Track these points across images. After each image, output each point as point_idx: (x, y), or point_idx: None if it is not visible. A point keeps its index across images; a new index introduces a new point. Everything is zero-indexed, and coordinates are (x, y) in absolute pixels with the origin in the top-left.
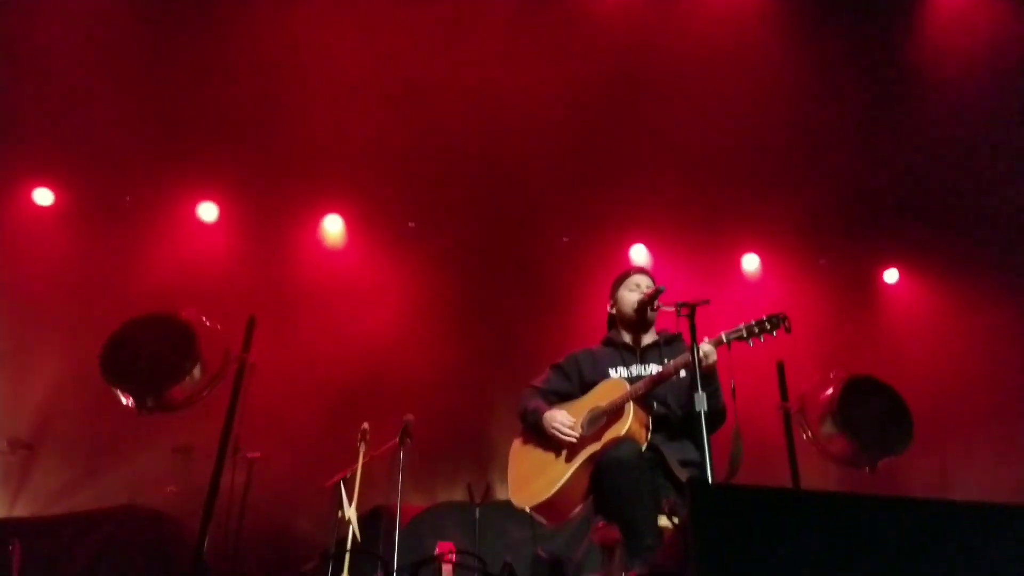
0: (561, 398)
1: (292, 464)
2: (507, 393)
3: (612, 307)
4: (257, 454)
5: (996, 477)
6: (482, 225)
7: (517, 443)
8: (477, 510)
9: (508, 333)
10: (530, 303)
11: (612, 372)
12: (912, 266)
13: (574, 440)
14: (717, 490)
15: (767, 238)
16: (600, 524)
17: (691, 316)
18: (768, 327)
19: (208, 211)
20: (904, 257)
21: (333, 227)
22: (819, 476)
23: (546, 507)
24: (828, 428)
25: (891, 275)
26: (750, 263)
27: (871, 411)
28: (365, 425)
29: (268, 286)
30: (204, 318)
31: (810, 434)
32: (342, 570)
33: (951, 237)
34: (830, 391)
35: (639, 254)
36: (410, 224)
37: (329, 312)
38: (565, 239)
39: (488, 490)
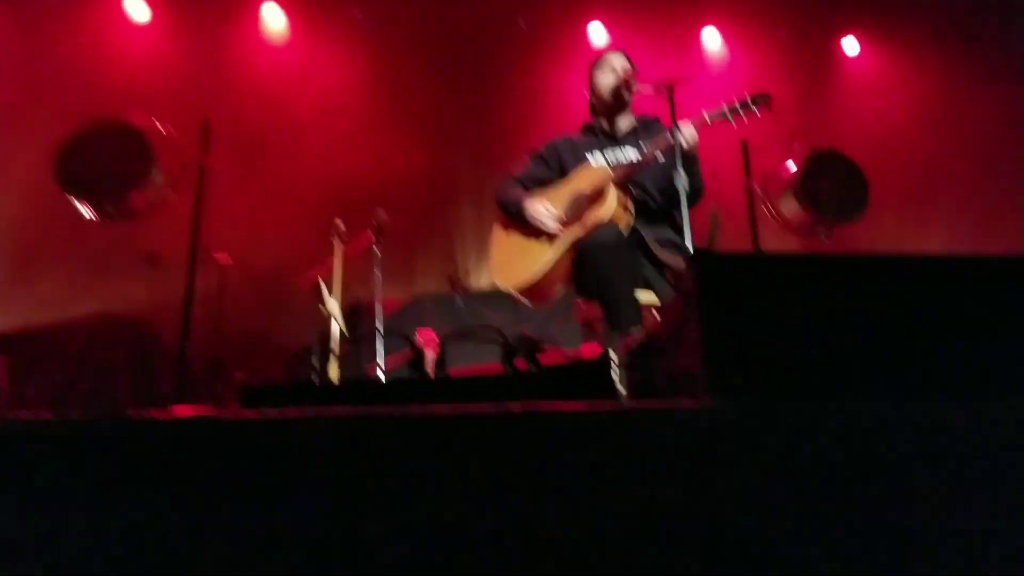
0: (541, 185)
1: (265, 266)
2: (480, 184)
3: (590, 92)
4: (227, 257)
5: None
6: (431, 10)
7: (498, 228)
8: (459, 298)
9: (472, 124)
10: (492, 91)
11: (590, 158)
12: (872, 32)
13: (554, 226)
14: (723, 259)
15: (725, 6)
16: (581, 304)
17: (670, 95)
18: (751, 106)
19: (137, 9)
20: (861, 24)
21: (274, 20)
22: (779, 247)
23: (529, 290)
24: (789, 202)
25: (849, 44)
26: (711, 38)
27: (831, 183)
28: (338, 221)
29: (215, 88)
30: (156, 122)
31: (771, 208)
32: (327, 360)
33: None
34: (793, 166)
35: (597, 33)
36: (355, 12)
37: (285, 111)
38: (521, 22)
39: (467, 279)
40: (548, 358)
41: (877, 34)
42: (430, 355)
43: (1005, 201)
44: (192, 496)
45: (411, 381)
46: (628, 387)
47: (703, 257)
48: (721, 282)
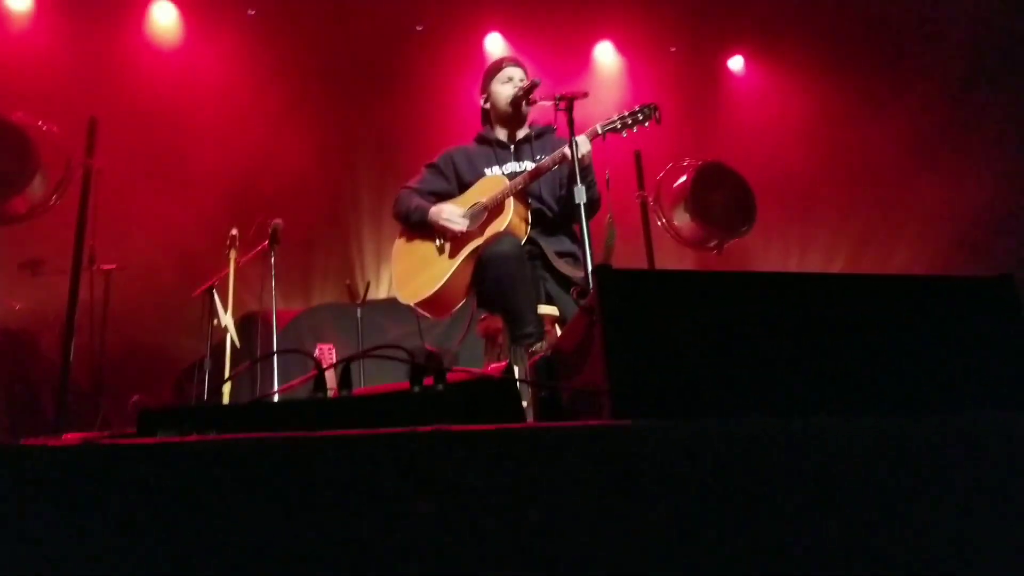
0: (439, 198)
1: (155, 275)
2: (376, 195)
3: (485, 101)
4: (113, 265)
5: (832, 249)
6: (328, 11)
7: (400, 242)
8: (359, 310)
9: (371, 131)
10: (390, 97)
11: (487, 171)
12: (758, 53)
13: (464, 230)
14: (623, 275)
15: (620, 23)
16: (483, 316)
17: (569, 109)
18: (640, 118)
19: None
20: (749, 44)
21: (164, 16)
22: (673, 260)
23: (431, 303)
24: (681, 214)
25: (736, 62)
26: (604, 53)
27: (720, 197)
28: (233, 231)
29: (102, 86)
30: (39, 121)
31: (664, 221)
32: (223, 373)
33: (795, 18)
34: (683, 179)
35: (495, 44)
36: (249, 12)
37: (177, 113)
38: (419, 27)
39: (368, 289)
40: (455, 375)
41: (762, 54)
42: (330, 371)
43: (881, 222)
44: (87, 529)
45: (315, 403)
46: (534, 405)
47: (604, 273)
48: (623, 298)
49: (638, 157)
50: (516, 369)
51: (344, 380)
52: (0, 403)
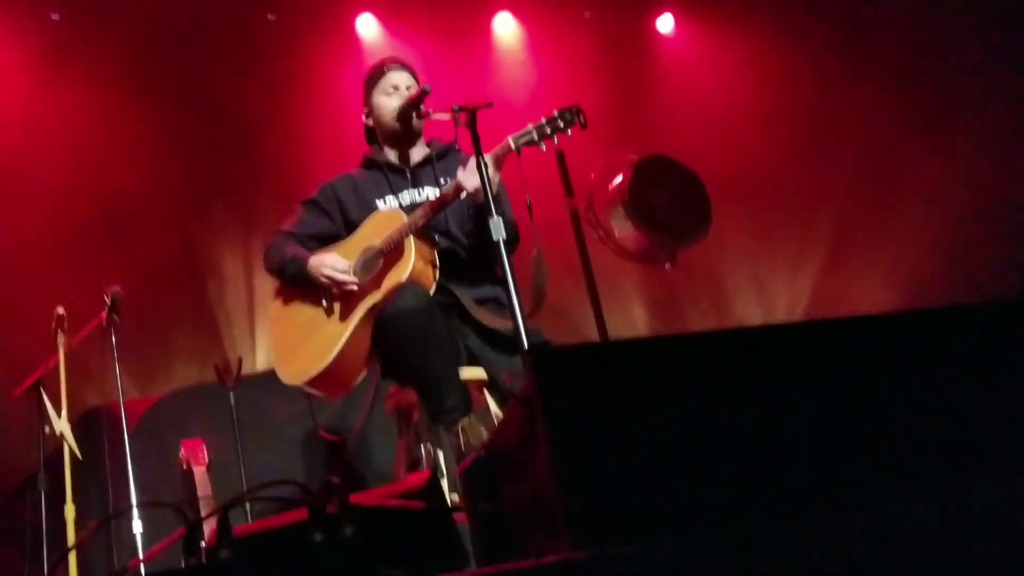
0: (322, 243)
1: None
2: (241, 243)
3: (367, 117)
4: None
5: (805, 241)
6: (152, 8)
7: (277, 305)
8: (232, 394)
9: (226, 161)
10: (244, 114)
11: (380, 203)
12: (688, 11)
13: (353, 287)
14: (562, 354)
15: None
16: (391, 390)
17: (472, 123)
18: (561, 124)
19: None
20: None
21: None
22: (620, 280)
23: (323, 380)
24: (620, 222)
25: (665, 22)
26: (503, 25)
27: (665, 195)
28: (60, 310)
29: None
30: None
31: (602, 232)
32: (63, 491)
33: None
34: (619, 179)
35: (368, 26)
36: (53, 16)
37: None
38: (271, 16)
39: (240, 366)
40: (366, 497)
41: (697, 8)
42: (200, 474)
43: (862, 211)
44: None
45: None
46: (473, 531)
47: (540, 357)
48: (569, 388)
49: (561, 158)
50: (443, 470)
51: (223, 536)
52: None
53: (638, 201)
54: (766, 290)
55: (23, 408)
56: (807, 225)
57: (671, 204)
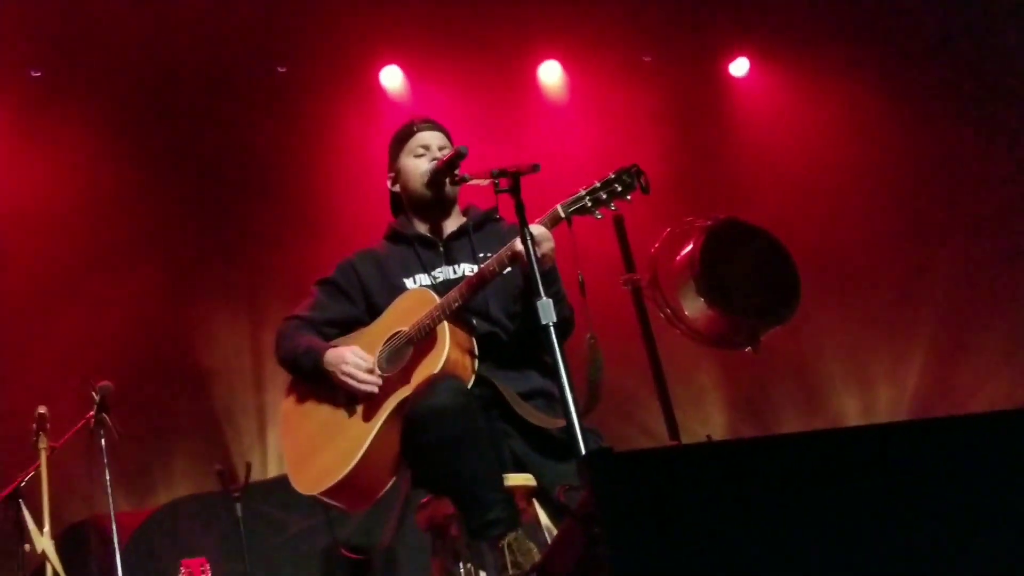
0: (341, 329)
1: None
2: (245, 332)
3: (394, 183)
4: None
5: (911, 326)
6: (150, 67)
7: (289, 402)
8: (238, 505)
9: (230, 234)
10: (247, 184)
11: (408, 281)
12: (766, 51)
13: (374, 389)
14: (626, 460)
15: (567, 38)
16: (424, 500)
17: (515, 190)
18: (619, 189)
19: None
20: (752, 40)
21: None
22: (693, 370)
23: (343, 490)
24: (691, 300)
25: (739, 66)
26: (550, 75)
27: (742, 267)
28: (41, 409)
29: None
30: None
31: (669, 311)
32: None
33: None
34: (688, 248)
35: (393, 78)
36: (34, 73)
37: None
38: (281, 69)
39: (248, 472)
40: None
41: (776, 46)
42: None
43: (982, 286)
44: None
45: None
46: None
47: (600, 463)
48: (634, 500)
49: (620, 226)
50: None
51: None
52: None
53: (711, 274)
54: (865, 382)
55: (2, 521)
56: (914, 306)
57: (750, 278)
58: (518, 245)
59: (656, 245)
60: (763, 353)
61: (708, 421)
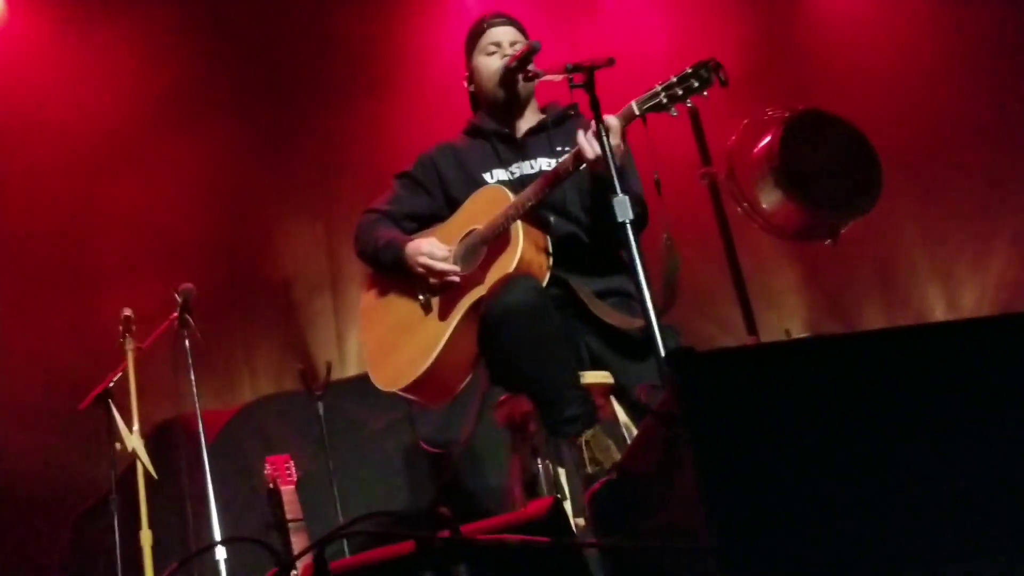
0: (420, 223)
1: (19, 385)
2: (322, 233)
3: (469, 83)
4: None
5: (997, 210)
6: None
7: (368, 298)
8: (320, 403)
9: (308, 133)
10: (324, 88)
11: (487, 176)
12: None
13: (454, 278)
14: (709, 360)
15: None
16: (502, 398)
17: (589, 85)
18: (695, 84)
19: None
20: None
21: None
22: (770, 265)
23: (421, 386)
24: (769, 191)
25: None
26: None
27: (821, 158)
28: (127, 311)
29: None
30: None
31: (746, 205)
32: (138, 514)
33: None
34: (766, 140)
35: None
36: None
37: (17, 141)
38: None
39: (329, 371)
40: (480, 529)
41: None
42: (288, 493)
43: None
44: None
45: None
46: (607, 569)
47: (684, 362)
48: (719, 400)
49: (696, 120)
50: (565, 491)
51: (319, 563)
52: None
53: (791, 166)
54: (949, 277)
55: (90, 422)
56: (999, 197)
57: (830, 168)
58: (584, 144)
59: (733, 138)
60: (843, 247)
61: (787, 317)
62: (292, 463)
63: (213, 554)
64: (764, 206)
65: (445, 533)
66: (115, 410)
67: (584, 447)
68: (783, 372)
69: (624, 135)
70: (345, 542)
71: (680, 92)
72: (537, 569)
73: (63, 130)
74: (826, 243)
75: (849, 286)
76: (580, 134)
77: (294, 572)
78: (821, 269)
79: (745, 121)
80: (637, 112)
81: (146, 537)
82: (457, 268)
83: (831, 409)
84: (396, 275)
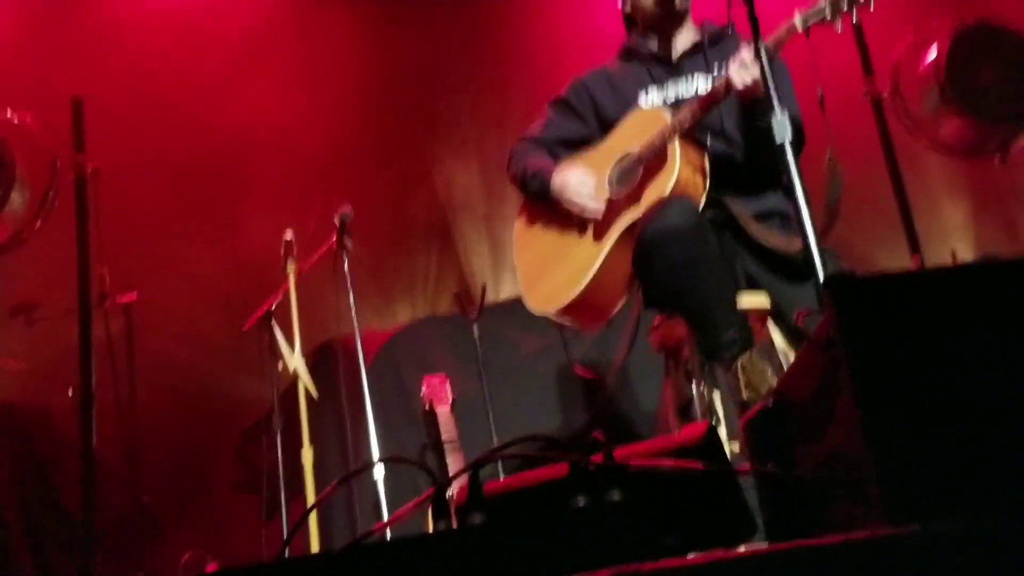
0: (573, 147)
1: (188, 303)
2: (482, 153)
3: (624, 3)
4: (133, 296)
5: None
6: None
7: (521, 222)
8: (475, 326)
9: (463, 58)
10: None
11: (642, 98)
12: None
13: (600, 208)
14: (871, 284)
15: None
16: (656, 320)
17: (749, 1)
18: None
19: None
20: None
21: None
22: (938, 184)
23: (575, 309)
24: (936, 108)
25: None
26: None
27: (990, 72)
28: (288, 234)
29: (82, 58)
30: (7, 112)
31: (912, 122)
32: (299, 432)
33: None
34: (934, 54)
35: None
36: None
37: (185, 85)
38: None
39: (484, 294)
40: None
41: None
42: (444, 414)
43: None
44: None
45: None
46: (761, 496)
47: (842, 288)
48: (882, 327)
49: (859, 33)
50: (720, 416)
51: (474, 497)
52: (15, 516)
53: (959, 80)
54: None
55: (254, 343)
56: None
57: (1000, 82)
58: (733, 76)
59: (899, 52)
60: (1016, 165)
61: (954, 239)
62: (448, 384)
63: (371, 473)
64: (931, 122)
65: (598, 457)
66: (278, 331)
67: (740, 372)
68: (947, 299)
69: (779, 51)
70: (499, 464)
71: (845, 4)
72: (690, 494)
73: (206, 40)
74: (996, 160)
75: (1022, 207)
76: (731, 65)
77: (449, 492)
78: (991, 189)
79: (911, 35)
80: (800, 26)
81: (307, 455)
82: (601, 207)
83: (997, 338)
84: (547, 202)
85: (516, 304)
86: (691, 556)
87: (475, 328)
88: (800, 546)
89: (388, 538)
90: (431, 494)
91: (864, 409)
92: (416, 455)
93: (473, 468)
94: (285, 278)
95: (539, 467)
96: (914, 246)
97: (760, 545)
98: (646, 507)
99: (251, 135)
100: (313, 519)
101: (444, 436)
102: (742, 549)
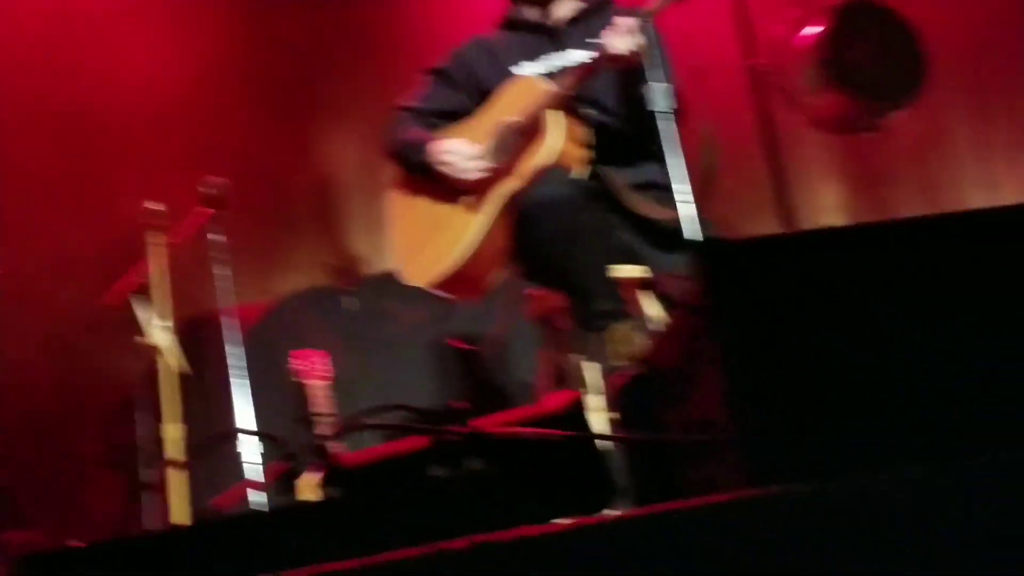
0: (451, 118)
1: (48, 278)
2: (356, 120)
3: None
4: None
5: None
6: None
7: (398, 194)
8: (353, 299)
9: (337, 24)
10: None
11: (519, 69)
12: None
13: (480, 173)
14: (737, 248)
15: None
16: (534, 292)
17: None
18: None
19: None
20: None
21: None
22: (809, 155)
23: (453, 282)
24: (815, 83)
25: None
26: None
27: (868, 49)
28: (152, 205)
29: None
30: None
31: (791, 95)
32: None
33: None
34: (815, 30)
35: None
36: None
37: (43, 38)
38: None
39: (361, 266)
40: (498, 418)
41: None
42: (316, 388)
43: None
44: None
45: (296, 510)
46: (630, 462)
47: (712, 250)
48: (749, 290)
49: (740, 6)
50: (592, 385)
51: (332, 471)
52: None
53: (839, 57)
54: (991, 174)
55: (118, 316)
56: None
57: (876, 58)
58: (607, 45)
59: (779, 27)
60: (888, 144)
61: (822, 210)
62: (323, 358)
63: (235, 446)
64: (810, 96)
65: (459, 427)
66: (139, 303)
67: (610, 341)
68: (809, 260)
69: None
70: (369, 437)
71: None
72: (551, 462)
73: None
74: (868, 133)
75: (887, 179)
76: (608, 34)
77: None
78: (859, 161)
79: (793, 10)
80: None
81: (171, 430)
82: (482, 166)
83: (859, 303)
84: (424, 174)
85: (394, 276)
86: (552, 523)
87: (352, 300)
88: (661, 510)
89: (236, 514)
90: (281, 467)
91: (726, 372)
92: (292, 429)
93: (331, 439)
94: (154, 249)
95: (403, 438)
96: (788, 223)
97: (621, 510)
98: (506, 475)
99: (125, 109)
100: (184, 496)
101: (317, 410)
102: (603, 514)
